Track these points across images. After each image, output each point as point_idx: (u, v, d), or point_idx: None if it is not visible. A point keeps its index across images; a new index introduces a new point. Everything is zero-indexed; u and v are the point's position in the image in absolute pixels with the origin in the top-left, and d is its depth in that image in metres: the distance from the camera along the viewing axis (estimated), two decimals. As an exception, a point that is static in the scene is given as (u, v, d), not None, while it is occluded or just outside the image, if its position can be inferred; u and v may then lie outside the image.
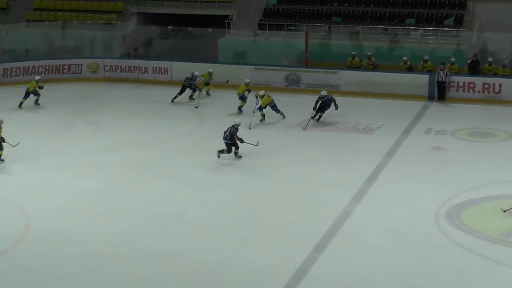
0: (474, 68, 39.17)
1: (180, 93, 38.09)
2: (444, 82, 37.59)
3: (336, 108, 34.17)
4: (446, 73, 37.54)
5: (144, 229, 23.67)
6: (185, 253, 21.88)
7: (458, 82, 37.95)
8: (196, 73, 37.81)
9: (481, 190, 26.52)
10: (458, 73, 38.75)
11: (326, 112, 34.35)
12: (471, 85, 37.88)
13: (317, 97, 34.10)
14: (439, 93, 37.75)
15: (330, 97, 34.03)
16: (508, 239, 22.73)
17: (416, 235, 23.08)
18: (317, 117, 34.27)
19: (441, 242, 22.63)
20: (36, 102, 36.92)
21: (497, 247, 22.24)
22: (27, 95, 36.77)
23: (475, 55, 39.63)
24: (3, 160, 28.64)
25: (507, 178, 27.48)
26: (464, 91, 37.94)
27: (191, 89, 38.26)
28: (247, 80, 36.38)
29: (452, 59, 39.28)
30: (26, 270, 20.96)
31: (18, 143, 29.09)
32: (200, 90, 38.03)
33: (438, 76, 37.64)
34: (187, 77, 38.02)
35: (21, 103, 36.77)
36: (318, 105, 34.01)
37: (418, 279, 20.39)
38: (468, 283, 20.24)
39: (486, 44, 41.37)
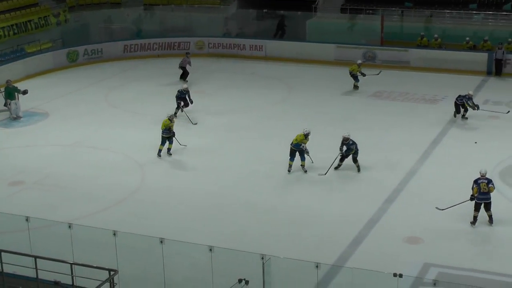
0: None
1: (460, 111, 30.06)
2: (501, 60, 36.92)
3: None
4: (503, 52, 36.84)
5: (242, 184, 23.95)
6: (274, 206, 22.05)
7: (505, 59, 37.20)
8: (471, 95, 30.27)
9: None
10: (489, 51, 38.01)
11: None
12: (525, 62, 37.20)
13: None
14: (497, 69, 37.05)
15: (351, 141, 24.58)
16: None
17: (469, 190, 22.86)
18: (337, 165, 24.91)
19: (495, 198, 22.33)
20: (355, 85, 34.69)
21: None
22: (355, 78, 34.22)
23: None
24: (171, 154, 26.27)
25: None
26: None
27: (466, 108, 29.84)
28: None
29: (509, 39, 38.43)
30: (140, 216, 21.42)
31: (186, 146, 26.85)
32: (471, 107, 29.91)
33: (496, 54, 36.96)
34: (459, 96, 29.87)
35: (355, 86, 34.44)
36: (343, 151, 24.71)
37: (473, 230, 20.20)
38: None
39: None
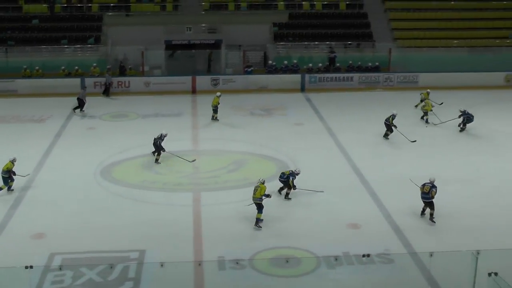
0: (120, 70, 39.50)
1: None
2: (110, 83, 37.01)
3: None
4: (110, 76, 37.17)
5: None
6: None
7: (112, 82, 37.25)
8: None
9: (125, 153, 26.83)
10: (99, 76, 38.24)
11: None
12: (122, 84, 37.72)
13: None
14: (108, 90, 36.98)
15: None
16: (144, 185, 23.38)
17: (81, 188, 23.03)
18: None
19: (99, 192, 22.65)
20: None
21: (138, 191, 22.81)
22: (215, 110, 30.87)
23: (121, 62, 39.69)
24: (12, 190, 22.24)
25: (140, 144, 27.57)
26: (116, 88, 37.54)
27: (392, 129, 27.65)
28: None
29: (95, 64, 38.91)
30: None
31: (29, 174, 23.26)
32: None
33: (107, 79, 37.10)
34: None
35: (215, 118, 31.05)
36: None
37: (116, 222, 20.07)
38: (118, 219, 20.29)
39: (118, 54, 41.42)
